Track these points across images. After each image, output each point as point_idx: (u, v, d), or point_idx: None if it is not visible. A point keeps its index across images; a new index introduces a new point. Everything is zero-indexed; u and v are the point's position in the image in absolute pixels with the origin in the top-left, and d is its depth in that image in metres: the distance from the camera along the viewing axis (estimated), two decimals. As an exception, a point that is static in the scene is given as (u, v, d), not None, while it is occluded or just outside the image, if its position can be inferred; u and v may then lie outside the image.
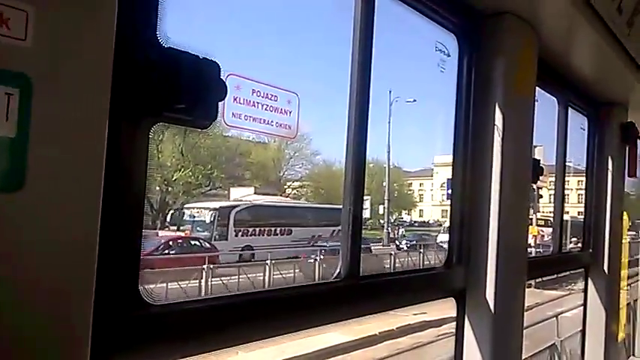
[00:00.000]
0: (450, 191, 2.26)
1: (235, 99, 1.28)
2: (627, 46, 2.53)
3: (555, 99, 3.11)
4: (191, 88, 1.08)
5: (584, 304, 3.71)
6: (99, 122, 0.92)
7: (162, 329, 1.13)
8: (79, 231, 0.90)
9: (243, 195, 21.24)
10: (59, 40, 0.85)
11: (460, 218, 2.21)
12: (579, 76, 2.97)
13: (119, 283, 1.04)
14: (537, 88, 2.50)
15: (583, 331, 3.75)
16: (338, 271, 1.64)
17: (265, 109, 1.34)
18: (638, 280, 6.61)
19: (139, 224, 1.09)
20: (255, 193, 21.68)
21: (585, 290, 3.68)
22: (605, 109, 3.49)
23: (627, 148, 3.60)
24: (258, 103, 1.33)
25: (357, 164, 1.70)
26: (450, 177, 2.23)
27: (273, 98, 1.37)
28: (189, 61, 1.10)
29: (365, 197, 1.76)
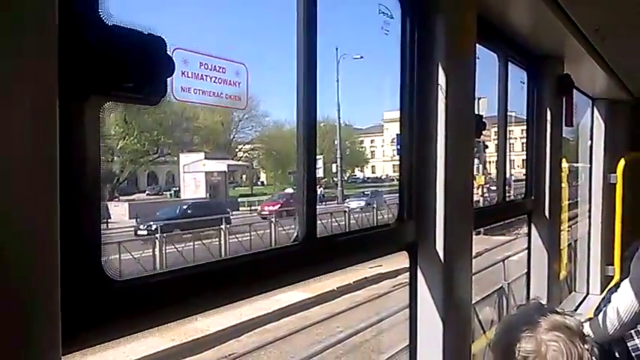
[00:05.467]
0: (399, 147, 2.34)
1: (183, 73, 1.29)
2: (560, 2, 2.64)
3: (496, 55, 3.22)
4: (138, 66, 1.09)
5: (528, 248, 3.96)
6: (49, 104, 0.92)
7: (126, 303, 1.16)
8: (40, 212, 0.91)
9: (193, 161, 20.85)
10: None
11: (409, 175, 2.30)
12: (517, 31, 3.07)
13: (82, 261, 1.06)
14: (478, 45, 2.58)
15: (528, 273, 4.01)
16: (295, 234, 1.71)
17: (214, 82, 1.36)
18: (577, 222, 7.03)
19: (97, 202, 1.11)
20: (205, 158, 21.30)
21: (529, 235, 3.92)
22: (542, 62, 3.63)
23: (564, 99, 3.78)
24: (206, 75, 1.34)
25: (308, 127, 1.72)
26: (398, 133, 2.31)
27: (221, 70, 1.38)
28: (134, 39, 1.10)
29: (317, 157, 1.80)
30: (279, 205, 20.87)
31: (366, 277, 15.30)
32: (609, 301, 2.89)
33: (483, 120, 2.68)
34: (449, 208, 2.29)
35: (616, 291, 2.95)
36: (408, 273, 2.41)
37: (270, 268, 1.59)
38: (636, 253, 2.83)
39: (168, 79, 1.16)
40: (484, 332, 8.58)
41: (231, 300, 1.47)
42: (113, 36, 1.07)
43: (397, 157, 2.38)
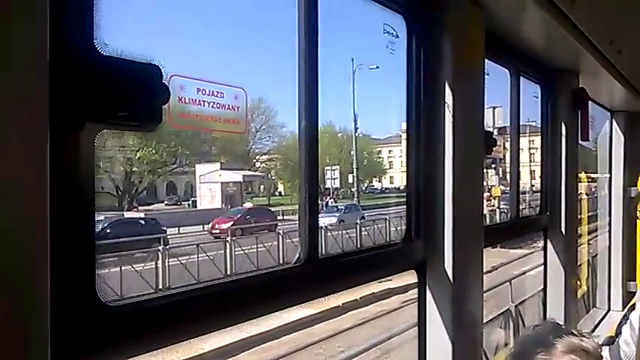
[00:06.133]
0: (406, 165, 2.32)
1: (180, 99, 1.30)
2: (572, 17, 2.61)
3: (507, 70, 3.18)
4: (132, 95, 1.10)
5: (545, 264, 3.89)
6: (40, 134, 0.94)
7: (122, 329, 1.17)
8: (29, 239, 0.92)
9: (209, 171, 20.81)
10: None
11: (417, 194, 2.28)
12: (529, 47, 3.04)
13: (75, 287, 1.07)
14: (489, 60, 2.56)
15: (544, 290, 3.93)
16: (297, 255, 1.70)
17: (212, 107, 1.36)
18: (597, 236, 6.88)
19: (91, 228, 1.12)
20: (221, 168, 21.23)
21: (545, 251, 3.84)
22: (556, 76, 3.58)
23: (579, 113, 3.72)
24: (204, 101, 1.35)
25: (309, 144, 1.71)
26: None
27: (219, 95, 1.38)
28: (128, 68, 1.11)
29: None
30: (232, 222, 17.72)
31: (374, 293, 14.43)
32: (630, 324, 2.80)
33: (493, 137, 2.65)
34: (458, 226, 2.26)
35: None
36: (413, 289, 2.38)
37: (272, 290, 1.58)
38: None
39: (163, 106, 1.17)
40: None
41: (233, 322, 1.47)
42: (107, 66, 1.08)
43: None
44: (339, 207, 23.47)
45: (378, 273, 2.12)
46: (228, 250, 14.07)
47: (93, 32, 1.09)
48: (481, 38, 2.34)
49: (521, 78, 3.32)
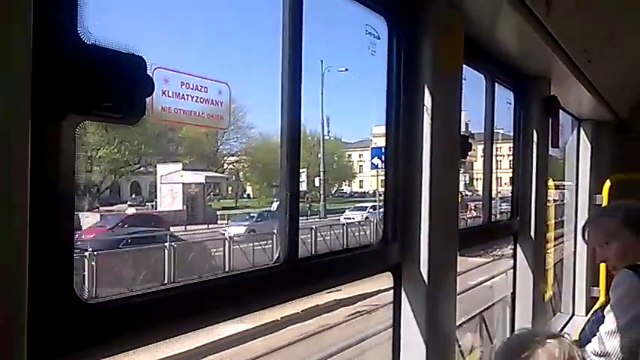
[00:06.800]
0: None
1: (164, 92, 1.27)
2: (547, 25, 2.66)
3: (483, 75, 3.24)
4: (117, 85, 1.07)
5: (514, 269, 3.96)
6: (21, 124, 0.90)
7: (100, 328, 1.13)
8: (7, 234, 0.88)
9: (171, 171, 20.25)
10: None
11: (394, 196, 2.29)
12: (504, 52, 3.10)
13: (53, 286, 1.03)
14: (465, 65, 2.59)
15: (513, 293, 4.00)
16: (277, 255, 1.68)
17: (196, 101, 1.33)
18: (563, 242, 7.05)
19: (70, 224, 1.08)
20: (183, 169, 20.71)
21: (514, 255, 3.92)
22: (529, 83, 3.66)
23: (550, 120, 3.80)
24: (187, 95, 1.32)
25: (291, 142, 1.70)
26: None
27: (203, 90, 1.36)
28: (113, 58, 1.08)
29: (301, 170, 1.77)
30: (95, 235, 14.86)
31: (318, 305, 12.98)
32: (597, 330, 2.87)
33: (469, 141, 2.68)
34: (434, 229, 2.27)
35: (601, 313, 2.94)
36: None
37: (250, 290, 1.56)
38: (615, 278, 2.82)
39: (147, 98, 1.14)
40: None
41: (211, 322, 1.44)
42: (92, 54, 1.05)
43: (383, 172, 2.37)
44: (252, 214, 20.68)
45: (356, 274, 2.11)
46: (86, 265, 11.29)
47: (76, 20, 1.06)
48: (460, 42, 2.37)
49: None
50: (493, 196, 3.91)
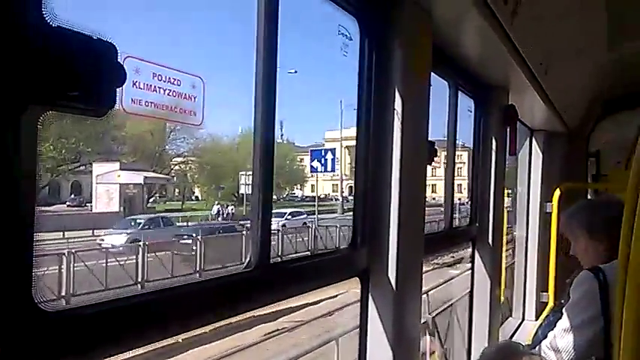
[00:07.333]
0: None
1: (135, 83, 1.18)
2: (510, 33, 2.71)
3: (447, 83, 3.27)
4: (85, 73, 0.98)
5: (472, 273, 4.03)
6: None
7: (61, 338, 1.03)
8: None
9: (107, 171, 19.37)
10: None
11: (363, 200, 2.26)
12: (468, 60, 3.14)
13: (10, 292, 0.93)
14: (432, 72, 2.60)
15: (471, 296, 4.07)
16: (248, 259, 1.61)
17: (168, 95, 1.25)
18: (514, 247, 7.24)
19: (30, 224, 0.98)
20: (121, 168, 19.87)
21: (472, 260, 3.98)
22: (489, 92, 3.73)
23: (508, 129, 3.89)
24: (159, 87, 1.23)
25: (265, 147, 1.64)
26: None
27: (176, 82, 1.28)
28: (81, 43, 0.99)
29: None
30: None
31: (238, 320, 10.81)
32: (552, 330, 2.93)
33: (435, 147, 2.69)
34: (402, 234, 2.25)
35: (552, 318, 3.00)
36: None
37: (222, 296, 1.48)
38: (576, 278, 2.89)
39: (118, 89, 1.05)
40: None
41: (180, 331, 1.37)
42: (58, 38, 0.96)
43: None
44: (139, 220, 18.33)
45: (325, 280, 2.06)
46: None
47: (43, 1, 0.96)
48: (429, 46, 2.37)
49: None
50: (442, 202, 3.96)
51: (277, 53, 1.64)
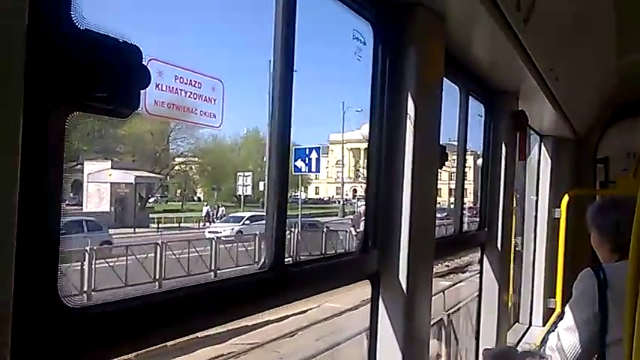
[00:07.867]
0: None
1: (157, 86, 1.20)
2: (522, 40, 2.72)
3: (458, 87, 3.28)
4: (112, 76, 1.01)
5: (480, 277, 4.03)
6: (13, 114, 0.83)
7: (85, 334, 1.05)
8: None
9: (98, 170, 19.13)
10: None
11: (375, 203, 2.27)
12: (479, 66, 3.15)
13: (37, 291, 0.95)
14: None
15: (479, 301, 4.07)
16: (263, 260, 1.63)
17: (189, 97, 1.28)
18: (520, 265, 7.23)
19: (57, 223, 1.00)
20: (112, 167, 19.59)
21: (481, 265, 3.98)
22: (499, 97, 3.74)
23: (518, 134, 3.89)
24: (181, 90, 1.26)
25: (280, 150, 1.66)
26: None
27: (197, 85, 1.30)
28: (108, 45, 1.01)
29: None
30: None
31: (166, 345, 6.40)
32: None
33: (446, 151, 2.70)
34: (413, 237, 2.26)
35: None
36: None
37: (236, 297, 1.50)
38: (579, 275, 2.90)
39: (142, 91, 1.07)
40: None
41: (198, 329, 1.39)
42: (86, 41, 0.98)
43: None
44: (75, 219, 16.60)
45: (337, 282, 2.07)
46: None
47: (70, 3, 0.98)
48: (442, 53, 2.39)
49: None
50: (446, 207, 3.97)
51: (294, 55, 1.66)
